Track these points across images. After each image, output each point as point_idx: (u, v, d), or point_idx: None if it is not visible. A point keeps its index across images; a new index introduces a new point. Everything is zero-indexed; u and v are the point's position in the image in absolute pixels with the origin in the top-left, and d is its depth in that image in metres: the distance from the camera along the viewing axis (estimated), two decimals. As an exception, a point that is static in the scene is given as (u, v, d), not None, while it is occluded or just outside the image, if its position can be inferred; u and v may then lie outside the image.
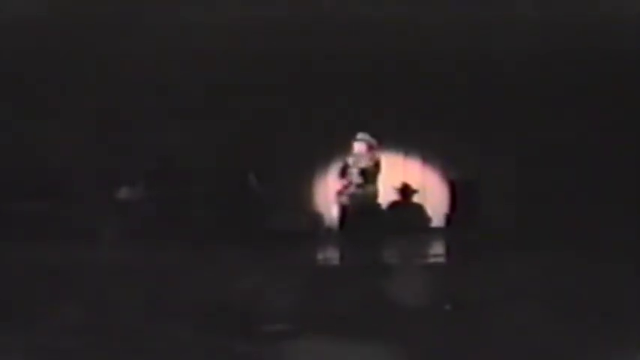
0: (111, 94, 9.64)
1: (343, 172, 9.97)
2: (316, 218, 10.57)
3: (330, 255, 9.09)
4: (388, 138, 10.33)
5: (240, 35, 9.58)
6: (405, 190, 10.75)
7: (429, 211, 10.78)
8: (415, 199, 10.82)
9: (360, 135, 9.91)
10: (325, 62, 10.02)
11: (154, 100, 9.89)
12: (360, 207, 9.78)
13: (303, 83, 10.10)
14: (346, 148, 9.92)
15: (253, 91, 10.05)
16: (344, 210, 10.03)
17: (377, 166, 9.88)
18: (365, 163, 9.76)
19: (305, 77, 10.09)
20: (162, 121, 9.93)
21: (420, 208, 10.83)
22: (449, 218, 10.59)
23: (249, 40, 9.64)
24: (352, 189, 9.86)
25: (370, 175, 9.86)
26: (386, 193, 10.37)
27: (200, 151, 10.07)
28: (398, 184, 10.71)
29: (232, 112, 10.10)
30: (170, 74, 9.83)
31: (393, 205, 10.68)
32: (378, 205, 10.20)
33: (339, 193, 10.04)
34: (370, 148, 9.87)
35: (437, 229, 10.45)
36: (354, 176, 9.84)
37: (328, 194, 10.58)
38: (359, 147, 9.99)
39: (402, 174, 10.78)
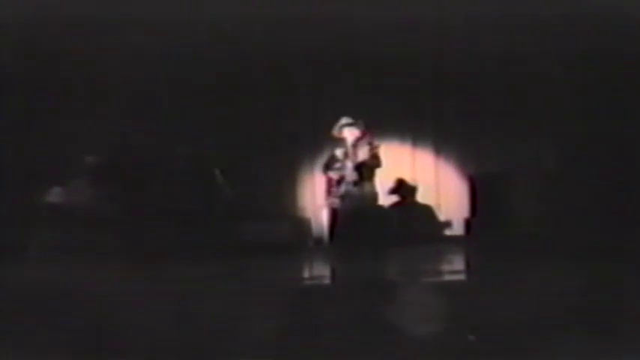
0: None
1: (332, 167, 9.57)
2: (300, 226, 10.21)
3: (319, 272, 8.66)
4: (390, 124, 10.27)
5: (216, 31, 9.71)
6: (399, 188, 10.30)
7: (444, 215, 10.41)
8: (426, 199, 10.40)
9: (344, 119, 9.37)
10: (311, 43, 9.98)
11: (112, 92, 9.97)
12: (355, 211, 9.39)
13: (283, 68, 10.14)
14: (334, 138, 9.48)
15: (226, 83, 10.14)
16: (335, 215, 9.63)
17: (375, 158, 9.40)
18: (360, 154, 9.31)
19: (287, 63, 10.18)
20: (120, 113, 9.98)
21: (431, 211, 10.39)
22: (468, 224, 10.03)
23: (224, 36, 9.77)
24: (345, 188, 9.47)
25: (367, 170, 9.44)
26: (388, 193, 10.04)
27: (161, 147, 9.92)
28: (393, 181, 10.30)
29: (203, 106, 10.20)
30: (138, 69, 9.92)
31: (397, 208, 10.21)
32: (379, 207, 9.79)
33: (329, 193, 9.65)
34: (364, 134, 9.37)
35: (454, 238, 10.11)
36: (347, 172, 9.43)
37: (315, 195, 10.46)
38: (350, 133, 9.47)
39: (409, 168, 10.55)
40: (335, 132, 9.20)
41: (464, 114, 10.37)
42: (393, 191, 10.13)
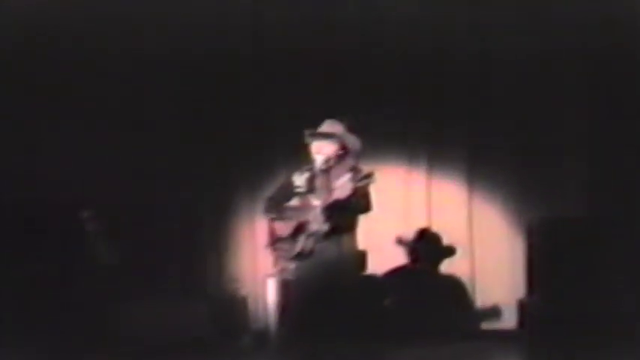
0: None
1: (284, 207, 7.51)
2: (229, 311, 8.83)
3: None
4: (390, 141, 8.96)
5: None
6: (416, 246, 8.64)
7: (483, 295, 8.69)
8: (454, 266, 8.72)
9: (327, 124, 7.35)
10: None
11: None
12: (322, 284, 7.27)
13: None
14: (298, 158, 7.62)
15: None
16: (288, 291, 7.92)
17: (363, 196, 7.20)
18: (337, 187, 7.17)
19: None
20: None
21: (459, 288, 8.63)
22: (524, 309, 8.34)
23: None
24: (306, 244, 7.23)
25: (345, 214, 7.21)
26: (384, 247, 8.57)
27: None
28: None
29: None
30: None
31: (401, 276, 8.68)
32: (365, 278, 8.18)
33: (278, 253, 7.47)
34: (344, 149, 7.27)
35: (501, 334, 8.39)
36: (312, 216, 7.24)
37: (255, 257, 8.98)
38: (325, 149, 7.34)
39: (420, 211, 8.90)
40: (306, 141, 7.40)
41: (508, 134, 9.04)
42: (412, 250, 8.58)
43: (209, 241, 9.19)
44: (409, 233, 8.93)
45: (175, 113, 8.97)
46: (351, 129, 7.35)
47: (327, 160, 7.27)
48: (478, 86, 9.08)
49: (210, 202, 9.24)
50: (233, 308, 8.86)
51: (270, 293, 8.60)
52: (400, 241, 8.93)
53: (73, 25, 8.71)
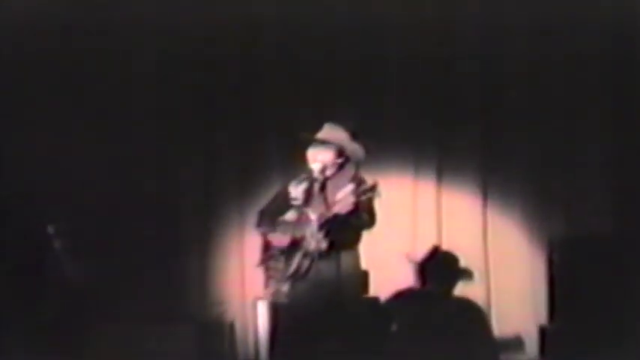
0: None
1: (277, 221, 7.00)
2: (211, 339, 8.23)
3: None
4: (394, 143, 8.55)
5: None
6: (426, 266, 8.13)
7: (501, 322, 8.19)
8: (468, 289, 8.21)
9: (325, 129, 6.92)
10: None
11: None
12: (318, 310, 6.86)
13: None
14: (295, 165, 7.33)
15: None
16: (279, 317, 7.37)
17: (366, 209, 6.80)
18: (338, 200, 6.75)
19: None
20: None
21: (476, 313, 8.05)
22: (544, 336, 7.99)
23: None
24: (300, 263, 6.82)
25: (346, 230, 6.79)
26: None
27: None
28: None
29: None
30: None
31: (406, 295, 8.18)
32: (369, 301, 7.69)
33: (270, 273, 6.99)
34: (344, 158, 6.87)
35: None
36: (308, 232, 6.78)
37: (244, 278, 8.48)
38: (320, 156, 6.88)
39: (433, 225, 8.47)
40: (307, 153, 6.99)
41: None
42: (422, 270, 8.05)
43: (191, 258, 8.62)
44: (418, 252, 8.21)
45: (154, 116, 8.46)
46: (355, 135, 6.91)
47: (323, 170, 6.78)
48: (492, 85, 8.47)
49: (193, 214, 8.71)
50: (218, 335, 8.32)
51: (261, 318, 8.13)
52: (410, 260, 8.29)
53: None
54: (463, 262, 8.30)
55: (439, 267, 8.30)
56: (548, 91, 8.58)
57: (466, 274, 8.31)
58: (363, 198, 6.64)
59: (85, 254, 7.80)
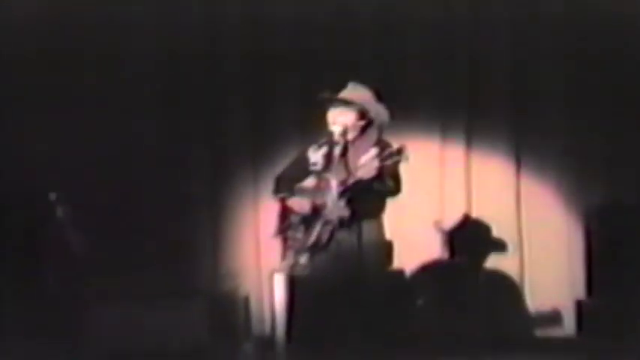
0: None
1: (295, 187, 6.76)
2: (226, 311, 8.06)
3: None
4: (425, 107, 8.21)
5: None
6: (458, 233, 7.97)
7: (536, 298, 7.97)
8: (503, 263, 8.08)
9: (349, 88, 6.65)
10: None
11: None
12: (341, 283, 6.59)
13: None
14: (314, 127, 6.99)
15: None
16: (298, 290, 7.05)
17: (392, 175, 6.52)
18: (361, 166, 6.46)
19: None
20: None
21: (511, 287, 7.92)
22: (581, 311, 7.82)
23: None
24: (321, 232, 6.55)
25: (371, 198, 6.52)
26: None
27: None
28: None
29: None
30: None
31: (433, 268, 8.07)
32: (394, 274, 7.58)
33: (288, 243, 6.72)
34: (367, 120, 6.59)
35: (558, 342, 7.79)
36: (329, 199, 6.52)
37: (259, 248, 8.23)
38: (341, 118, 6.56)
39: (462, 192, 8.17)
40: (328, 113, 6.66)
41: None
42: (451, 240, 8.05)
43: (203, 229, 8.36)
44: (446, 221, 8.02)
45: (164, 81, 8.24)
46: (379, 95, 6.53)
47: (345, 132, 6.41)
48: (526, 44, 8.19)
49: (204, 182, 8.36)
50: (233, 310, 8.13)
51: (278, 292, 7.86)
52: (437, 230, 8.19)
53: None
54: (495, 233, 8.07)
55: (469, 237, 8.06)
56: (584, 51, 8.10)
57: (498, 245, 8.06)
58: (389, 162, 6.33)
59: (89, 223, 7.39)
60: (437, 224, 8.12)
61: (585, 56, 8.35)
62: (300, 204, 6.60)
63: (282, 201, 6.73)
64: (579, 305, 7.95)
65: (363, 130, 6.50)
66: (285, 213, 6.71)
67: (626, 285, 7.61)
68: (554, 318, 8.05)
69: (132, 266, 7.89)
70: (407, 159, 6.37)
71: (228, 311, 8.03)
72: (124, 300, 7.72)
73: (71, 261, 7.48)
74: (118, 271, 7.85)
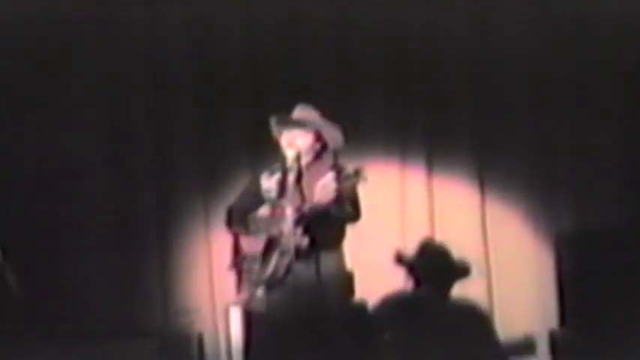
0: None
1: (249, 216, 6.45)
2: (185, 348, 7.72)
3: None
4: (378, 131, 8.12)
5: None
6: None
7: (505, 327, 7.71)
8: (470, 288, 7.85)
9: (297, 110, 6.46)
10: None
11: None
12: (299, 317, 6.41)
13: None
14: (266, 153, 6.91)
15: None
16: (254, 326, 6.66)
17: (350, 198, 6.28)
18: (317, 189, 6.18)
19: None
20: None
21: (478, 316, 7.68)
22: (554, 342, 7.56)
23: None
24: (278, 263, 6.27)
25: (328, 223, 6.24)
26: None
27: None
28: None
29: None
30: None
31: (398, 298, 7.79)
32: (356, 308, 6.95)
33: (241, 276, 6.43)
34: (322, 143, 6.40)
35: None
36: (286, 226, 6.28)
37: (212, 281, 7.83)
38: (297, 141, 6.41)
39: (425, 217, 7.95)
40: (274, 132, 6.45)
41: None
42: (414, 269, 7.88)
43: (151, 263, 7.88)
44: (410, 246, 7.62)
45: (104, 112, 7.90)
46: (329, 117, 6.29)
47: (298, 157, 6.17)
48: (488, 58, 7.84)
49: (154, 211, 7.93)
50: (186, 348, 7.67)
51: (234, 327, 7.59)
52: (399, 259, 7.79)
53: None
54: (459, 257, 7.82)
55: (432, 264, 7.81)
56: (550, 67, 7.85)
57: (462, 270, 7.81)
58: (346, 184, 6.07)
59: (27, 261, 6.89)
60: (398, 255, 7.80)
61: (550, 77, 8.05)
62: (249, 244, 6.40)
63: (235, 235, 6.51)
64: (552, 335, 7.67)
65: (318, 154, 6.30)
66: (239, 244, 6.44)
67: (600, 314, 7.34)
68: (527, 345, 7.77)
69: (76, 307, 7.47)
70: (365, 179, 6.13)
71: (182, 350, 7.64)
72: (69, 340, 7.23)
73: (11, 300, 6.67)
74: (60, 312, 7.42)
